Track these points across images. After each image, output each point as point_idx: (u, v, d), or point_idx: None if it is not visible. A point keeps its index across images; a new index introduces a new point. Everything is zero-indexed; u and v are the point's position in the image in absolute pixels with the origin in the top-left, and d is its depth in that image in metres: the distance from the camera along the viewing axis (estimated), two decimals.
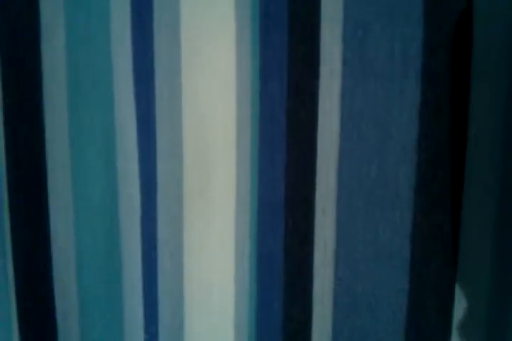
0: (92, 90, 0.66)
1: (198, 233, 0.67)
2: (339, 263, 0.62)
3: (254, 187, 0.64)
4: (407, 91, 0.58)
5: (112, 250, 0.68)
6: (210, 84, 0.64)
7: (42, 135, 0.68)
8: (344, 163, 0.61)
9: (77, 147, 0.68)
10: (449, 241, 0.59)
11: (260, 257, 0.65)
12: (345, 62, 0.60)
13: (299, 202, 0.63)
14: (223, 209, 0.66)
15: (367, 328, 0.63)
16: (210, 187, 0.66)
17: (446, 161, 0.58)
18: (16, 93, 0.68)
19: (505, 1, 0.54)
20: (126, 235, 0.68)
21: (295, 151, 0.62)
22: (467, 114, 0.57)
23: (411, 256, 0.60)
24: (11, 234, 0.71)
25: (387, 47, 0.58)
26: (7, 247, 0.71)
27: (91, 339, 0.71)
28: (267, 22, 0.62)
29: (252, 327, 0.67)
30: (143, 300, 0.69)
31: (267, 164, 0.63)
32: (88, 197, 0.68)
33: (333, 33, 0.59)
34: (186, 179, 0.66)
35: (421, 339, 0.61)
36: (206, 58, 0.64)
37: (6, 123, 0.69)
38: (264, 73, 0.62)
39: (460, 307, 0.59)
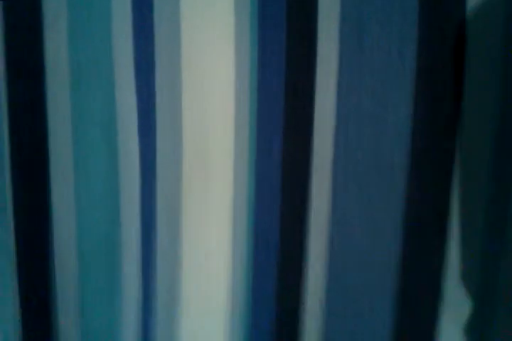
0: (93, 71, 0.67)
1: (197, 213, 0.68)
2: (333, 228, 0.64)
3: (252, 168, 0.65)
4: (403, 87, 0.59)
5: (112, 231, 0.69)
6: (209, 74, 0.65)
7: (44, 117, 0.68)
8: (340, 149, 0.62)
9: (79, 127, 0.68)
10: (441, 217, 0.61)
11: (257, 234, 0.66)
12: (341, 60, 0.61)
13: (296, 184, 0.64)
14: (221, 189, 0.67)
15: (360, 309, 0.64)
16: (208, 166, 0.67)
17: (440, 136, 0.59)
18: (19, 79, 0.68)
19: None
20: (126, 216, 0.69)
21: (292, 136, 0.64)
22: (462, 90, 0.58)
23: (404, 231, 0.62)
24: (13, 215, 0.71)
25: (383, 45, 0.59)
26: (9, 218, 0.71)
27: (89, 304, 0.72)
28: (265, 19, 0.63)
29: (248, 292, 0.68)
30: (140, 278, 0.70)
31: (264, 140, 0.64)
32: (89, 179, 0.69)
33: (330, 31, 0.61)
34: (185, 157, 0.67)
35: (412, 304, 0.63)
36: (205, 54, 0.65)
37: (9, 106, 0.69)
38: (263, 69, 0.63)
39: (451, 269, 0.62)
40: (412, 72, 0.59)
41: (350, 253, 0.64)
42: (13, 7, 0.67)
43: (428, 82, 0.58)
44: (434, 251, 0.61)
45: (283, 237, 0.65)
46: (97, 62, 0.66)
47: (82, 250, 0.71)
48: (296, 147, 0.64)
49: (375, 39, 0.59)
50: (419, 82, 0.58)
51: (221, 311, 0.70)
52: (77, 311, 0.72)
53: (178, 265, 0.69)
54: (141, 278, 0.70)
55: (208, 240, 0.68)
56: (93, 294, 0.72)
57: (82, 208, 0.70)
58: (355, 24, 0.60)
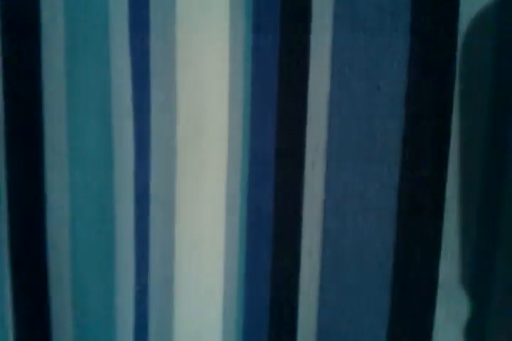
0: (88, 45, 0.67)
1: (190, 186, 0.68)
2: (327, 215, 0.64)
3: (246, 140, 0.65)
4: (396, 45, 0.59)
5: (106, 204, 0.69)
6: (203, 37, 0.65)
7: (39, 90, 0.69)
8: (334, 116, 0.62)
9: (74, 102, 0.68)
10: (435, 194, 0.60)
11: (250, 208, 0.66)
12: (335, 17, 0.60)
13: (289, 154, 0.64)
14: (215, 162, 0.67)
15: (353, 279, 0.64)
16: (202, 141, 0.67)
17: (433, 114, 0.59)
18: (14, 47, 0.69)
19: None
20: (119, 189, 0.69)
21: (286, 105, 0.63)
22: (455, 68, 0.58)
23: (398, 209, 0.61)
24: (6, 188, 0.71)
25: (376, 2, 0.59)
26: (2, 200, 0.72)
27: (82, 291, 0.72)
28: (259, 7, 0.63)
29: (241, 277, 0.68)
30: (134, 252, 0.70)
31: (259, 118, 0.64)
32: (83, 150, 0.69)
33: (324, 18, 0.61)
34: (179, 132, 0.67)
35: (407, 290, 0.63)
36: (200, 14, 0.64)
37: (4, 78, 0.70)
38: (257, 27, 0.63)
39: (446, 258, 0.61)
40: (405, 26, 0.58)
41: (345, 234, 0.64)
42: None
43: (421, 37, 0.58)
44: (429, 232, 0.61)
45: (277, 212, 0.66)
46: (92, 24, 0.66)
47: (75, 225, 0.71)
48: (289, 127, 0.64)
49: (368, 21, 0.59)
50: (413, 37, 0.58)
51: (215, 299, 0.70)
52: (71, 296, 0.73)
53: (171, 239, 0.69)
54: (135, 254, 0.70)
55: (202, 218, 0.68)
56: (87, 271, 0.72)
57: (76, 188, 0.70)
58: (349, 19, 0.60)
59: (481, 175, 0.59)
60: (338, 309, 0.65)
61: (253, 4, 0.63)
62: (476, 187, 0.59)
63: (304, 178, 0.63)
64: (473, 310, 0.61)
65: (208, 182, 0.67)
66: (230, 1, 0.63)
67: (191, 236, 0.69)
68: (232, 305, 0.69)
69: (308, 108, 0.63)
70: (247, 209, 0.66)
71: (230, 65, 0.65)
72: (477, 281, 0.61)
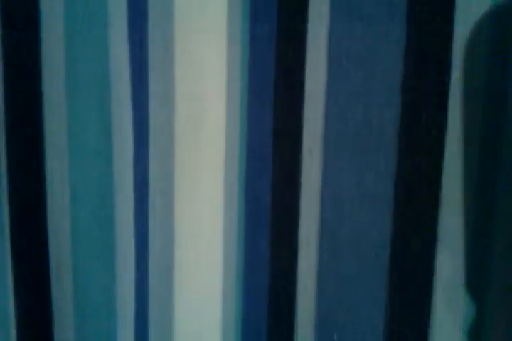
0: (87, 37, 0.67)
1: (189, 176, 0.68)
2: (324, 204, 0.64)
3: (243, 130, 0.65)
4: (393, 33, 0.59)
5: (105, 193, 0.70)
6: (201, 30, 0.65)
7: (39, 80, 0.69)
8: (331, 105, 0.62)
9: (73, 92, 0.69)
10: (431, 183, 0.60)
11: (248, 198, 0.67)
12: (333, 6, 0.60)
13: (287, 144, 0.64)
14: (213, 153, 0.67)
15: (351, 269, 0.64)
16: (200, 132, 0.67)
17: (429, 103, 0.59)
18: (14, 41, 0.69)
19: None
20: (119, 178, 0.69)
21: (283, 95, 0.63)
22: (451, 56, 0.58)
23: (394, 198, 0.61)
24: (7, 175, 0.72)
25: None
26: (3, 185, 0.72)
27: (83, 279, 0.72)
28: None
29: (240, 267, 0.68)
30: (134, 241, 0.70)
31: (256, 107, 0.64)
32: (83, 140, 0.69)
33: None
34: (177, 123, 0.67)
35: (404, 279, 0.62)
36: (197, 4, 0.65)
37: (4, 68, 0.70)
38: (254, 16, 0.63)
39: (443, 246, 0.61)
40: (402, 15, 0.58)
41: (342, 224, 0.64)
42: None
43: (418, 26, 0.58)
44: (426, 221, 0.61)
45: (275, 202, 0.66)
46: (91, 15, 0.67)
47: (75, 214, 0.71)
48: (287, 115, 0.64)
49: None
50: (409, 25, 0.58)
51: (214, 288, 0.70)
52: (72, 285, 0.73)
53: (170, 227, 0.70)
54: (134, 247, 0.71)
55: (200, 207, 0.69)
56: (88, 259, 0.72)
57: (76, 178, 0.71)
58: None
59: (478, 162, 0.59)
60: (335, 299, 0.65)
61: None
62: (473, 175, 0.59)
63: (301, 167, 0.64)
64: (471, 300, 0.61)
65: (207, 172, 0.68)
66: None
67: (190, 225, 0.69)
68: (231, 294, 0.70)
69: (305, 97, 0.63)
70: (245, 198, 0.67)
71: (227, 55, 0.65)
72: (474, 271, 0.60)
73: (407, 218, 0.61)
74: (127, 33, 0.66)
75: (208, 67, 0.66)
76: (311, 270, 0.65)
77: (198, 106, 0.67)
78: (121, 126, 0.68)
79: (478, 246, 0.60)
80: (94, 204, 0.70)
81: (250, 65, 0.64)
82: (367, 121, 0.61)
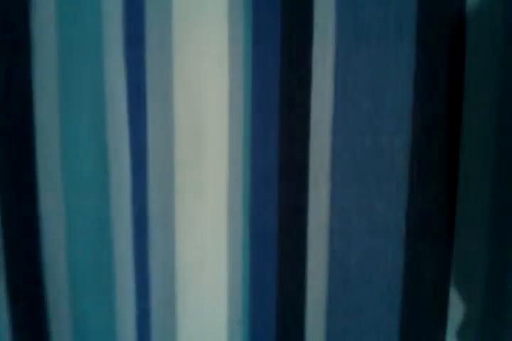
0: (82, 60, 0.65)
1: (190, 206, 0.65)
2: (333, 236, 0.61)
3: (247, 159, 0.63)
4: (402, 58, 0.57)
5: (103, 225, 0.67)
6: (202, 50, 0.63)
7: (30, 108, 0.67)
8: (338, 133, 0.60)
9: (67, 120, 0.66)
10: (445, 213, 0.58)
11: (254, 230, 0.64)
12: (338, 30, 0.58)
13: (293, 173, 0.62)
14: (215, 181, 0.65)
15: (361, 301, 0.62)
16: (201, 160, 0.65)
17: (441, 131, 0.57)
18: (3, 61, 0.67)
19: None
20: (116, 208, 0.67)
21: (288, 121, 0.61)
22: (463, 81, 0.56)
23: (406, 228, 0.59)
24: (0, 208, 0.70)
25: (381, 15, 0.57)
26: None
27: (82, 316, 0.70)
28: (259, 10, 0.61)
29: (246, 301, 0.66)
30: (134, 275, 0.68)
31: (260, 134, 0.62)
32: (78, 171, 0.67)
33: (327, 1, 0.58)
34: (177, 151, 0.65)
35: (417, 312, 0.61)
36: (197, 26, 0.62)
37: None
38: (258, 39, 0.61)
39: (457, 278, 0.59)
40: (411, 40, 0.57)
41: (351, 255, 0.62)
42: None
43: (427, 50, 0.57)
44: (439, 252, 0.60)
45: (281, 233, 0.64)
46: (86, 37, 0.64)
47: (73, 253, 0.69)
48: (292, 144, 0.62)
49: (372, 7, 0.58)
50: (418, 50, 0.57)
51: (219, 325, 0.68)
52: (71, 322, 0.71)
53: (171, 262, 0.67)
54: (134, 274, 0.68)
55: (203, 240, 0.66)
56: (86, 295, 0.70)
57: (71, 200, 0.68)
58: (352, 5, 0.58)
59: (492, 189, 0.57)
60: (346, 333, 0.63)
61: (253, 16, 0.61)
62: (487, 203, 0.57)
63: (309, 197, 0.61)
64: (484, 332, 0.59)
65: (209, 202, 0.65)
66: (229, 15, 0.61)
67: (192, 259, 0.66)
68: (237, 330, 0.67)
69: (311, 123, 0.61)
70: (250, 230, 0.64)
71: (229, 79, 0.63)
72: (490, 305, 0.59)
73: (419, 248, 0.60)
74: (123, 55, 0.64)
75: (209, 91, 0.63)
76: (320, 303, 0.63)
77: (199, 133, 0.64)
78: (117, 155, 0.66)
79: (492, 279, 0.58)
80: (91, 239, 0.68)
81: (253, 91, 0.62)
82: (376, 149, 0.59)
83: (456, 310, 0.60)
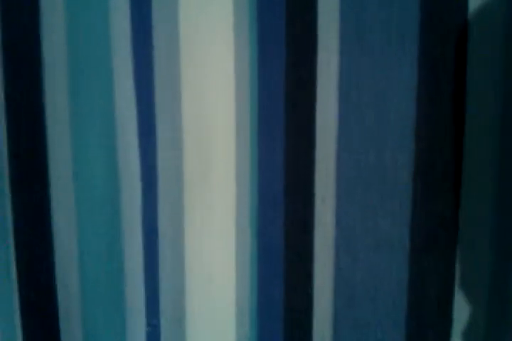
0: (92, 82, 0.66)
1: (199, 223, 0.67)
2: (339, 252, 0.62)
3: (254, 176, 0.64)
4: (405, 78, 0.58)
5: (114, 242, 0.68)
6: (209, 74, 0.64)
7: (43, 127, 0.68)
8: (343, 151, 0.61)
9: (78, 139, 0.68)
10: (448, 229, 0.59)
11: (261, 246, 0.65)
12: (342, 51, 0.60)
13: (299, 190, 0.63)
14: (223, 198, 0.66)
15: (368, 317, 0.63)
16: (210, 178, 0.66)
17: (444, 148, 0.58)
18: (16, 82, 0.68)
19: None
20: (127, 226, 0.68)
21: (294, 140, 0.62)
22: (465, 100, 0.57)
23: (410, 244, 0.60)
24: (13, 228, 0.71)
25: (384, 36, 0.58)
26: (9, 240, 0.71)
27: (93, 333, 0.71)
28: (265, 11, 0.62)
29: (254, 317, 0.66)
30: (144, 292, 0.69)
31: (267, 153, 0.63)
32: (89, 188, 0.68)
33: (331, 23, 0.60)
34: (186, 169, 0.66)
35: (422, 327, 0.61)
36: (204, 50, 0.64)
37: (7, 113, 0.69)
38: (263, 62, 0.62)
39: (461, 294, 0.59)
40: (413, 57, 0.58)
41: (357, 271, 0.63)
42: (12, 5, 0.68)
43: (430, 67, 0.57)
44: (443, 268, 0.60)
45: (288, 249, 0.64)
46: (96, 57, 0.66)
47: (84, 264, 0.70)
48: (298, 163, 0.63)
49: (375, 21, 0.59)
50: (421, 67, 0.58)
51: (229, 333, 0.68)
52: (82, 336, 0.72)
53: (181, 278, 0.68)
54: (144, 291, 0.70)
55: (212, 255, 0.67)
56: (96, 311, 0.71)
57: (83, 214, 0.69)
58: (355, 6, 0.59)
59: (494, 206, 0.58)
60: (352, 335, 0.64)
61: (258, 40, 0.62)
62: (489, 219, 0.58)
63: (314, 214, 0.62)
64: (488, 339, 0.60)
65: (217, 218, 0.66)
66: (234, 30, 0.63)
67: (201, 273, 0.67)
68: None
69: (316, 143, 0.62)
70: (258, 246, 0.65)
71: (235, 100, 0.64)
72: (493, 318, 0.59)
73: (424, 264, 0.60)
74: (133, 78, 0.65)
75: (216, 111, 0.65)
76: (326, 318, 0.64)
77: (207, 152, 0.65)
78: (128, 173, 0.67)
79: (498, 292, 0.59)
80: (102, 254, 0.69)
81: (260, 111, 0.63)
82: (380, 167, 0.60)
83: (460, 318, 0.60)
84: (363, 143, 0.60)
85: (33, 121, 0.68)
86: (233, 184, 0.65)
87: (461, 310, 0.60)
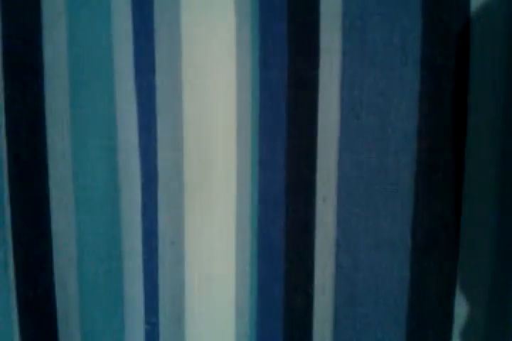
0: (93, 82, 0.66)
1: (199, 223, 0.67)
2: (340, 252, 0.62)
3: (255, 176, 0.64)
4: (407, 79, 0.58)
5: (113, 241, 0.68)
6: (211, 75, 0.64)
7: (43, 127, 0.68)
8: (344, 151, 0.61)
9: (78, 140, 0.68)
10: (450, 229, 0.59)
11: (261, 246, 0.65)
12: (344, 52, 0.60)
13: (300, 190, 0.63)
14: (223, 198, 0.66)
15: (368, 316, 0.63)
16: (210, 178, 0.66)
17: (446, 149, 0.58)
18: (16, 82, 0.68)
19: None
20: (127, 226, 0.68)
21: (295, 140, 0.62)
22: (466, 101, 0.57)
23: (412, 244, 0.60)
24: (12, 227, 0.70)
25: (386, 37, 0.58)
26: (8, 239, 0.71)
27: (91, 330, 0.71)
28: (267, 12, 0.62)
29: (253, 316, 0.67)
30: (143, 291, 0.69)
31: (268, 153, 0.63)
32: (89, 189, 0.68)
33: (333, 24, 0.60)
34: (187, 169, 0.66)
35: (422, 327, 0.61)
36: (206, 51, 0.64)
37: (7, 113, 0.69)
38: (265, 62, 0.62)
39: (462, 294, 0.60)
40: (416, 62, 0.58)
41: (358, 271, 0.63)
42: (13, 7, 0.67)
43: (432, 71, 0.58)
44: (444, 267, 0.60)
45: (289, 249, 0.64)
46: (96, 60, 0.66)
47: (83, 263, 0.70)
48: (299, 163, 0.63)
49: (377, 30, 0.59)
50: (423, 71, 0.58)
51: (227, 339, 0.69)
52: (80, 337, 0.72)
53: (180, 277, 0.68)
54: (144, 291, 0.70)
55: (212, 255, 0.67)
56: (95, 310, 0.71)
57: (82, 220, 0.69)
58: (358, 15, 0.59)
59: (496, 206, 0.58)
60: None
61: (260, 41, 0.62)
62: (491, 220, 0.58)
63: (316, 215, 0.62)
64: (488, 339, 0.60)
65: (217, 219, 0.66)
66: (236, 41, 0.63)
67: (201, 274, 0.67)
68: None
69: (318, 143, 0.62)
70: (258, 246, 0.65)
71: (237, 101, 0.64)
72: (494, 319, 0.59)
73: (425, 264, 0.60)
74: (134, 79, 0.65)
75: (217, 113, 0.65)
76: (327, 317, 0.64)
77: (207, 153, 0.65)
78: (128, 174, 0.67)
79: (498, 292, 0.59)
80: (102, 255, 0.69)
81: (261, 113, 0.63)
82: (382, 167, 0.60)
83: (461, 318, 0.60)
84: (364, 143, 0.60)
85: (33, 121, 0.68)
86: (234, 184, 0.65)
87: (462, 310, 0.60)
